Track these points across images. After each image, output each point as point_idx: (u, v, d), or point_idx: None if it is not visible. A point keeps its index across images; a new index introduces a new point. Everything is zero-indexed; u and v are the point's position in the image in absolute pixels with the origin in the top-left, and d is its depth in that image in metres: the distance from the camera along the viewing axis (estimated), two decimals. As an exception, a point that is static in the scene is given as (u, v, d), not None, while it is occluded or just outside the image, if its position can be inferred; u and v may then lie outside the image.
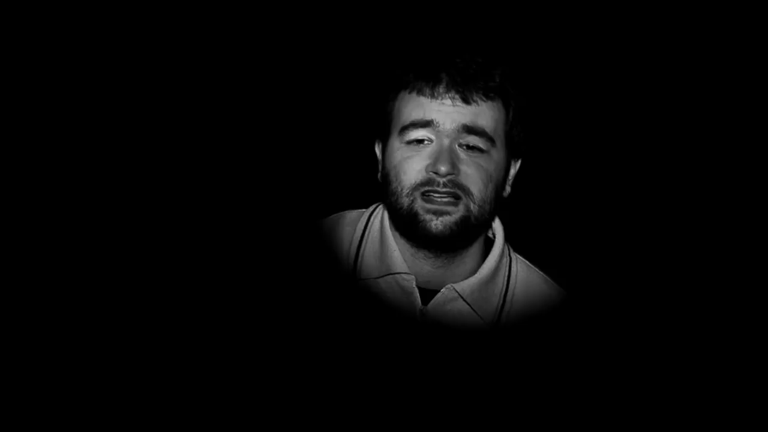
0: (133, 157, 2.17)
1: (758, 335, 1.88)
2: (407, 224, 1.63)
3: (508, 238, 1.82)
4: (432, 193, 1.59)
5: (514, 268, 1.78)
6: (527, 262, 1.84)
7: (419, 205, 1.60)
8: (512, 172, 1.75)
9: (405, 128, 1.63)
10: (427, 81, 1.61)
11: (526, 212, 1.94)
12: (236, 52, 2.16)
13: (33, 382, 2.21)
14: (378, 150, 1.77)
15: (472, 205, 1.60)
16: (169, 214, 2.13)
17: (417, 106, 1.62)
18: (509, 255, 1.80)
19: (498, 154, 1.65)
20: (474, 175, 1.60)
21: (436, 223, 1.60)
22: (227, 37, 2.12)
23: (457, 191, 1.59)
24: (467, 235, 1.65)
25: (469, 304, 1.68)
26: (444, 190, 1.59)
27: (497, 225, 1.80)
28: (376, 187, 1.77)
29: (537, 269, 1.83)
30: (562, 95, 2.01)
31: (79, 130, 2.12)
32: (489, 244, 1.79)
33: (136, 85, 2.11)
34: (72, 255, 2.33)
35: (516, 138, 1.70)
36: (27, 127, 1.97)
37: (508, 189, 1.74)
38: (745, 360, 1.90)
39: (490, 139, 1.62)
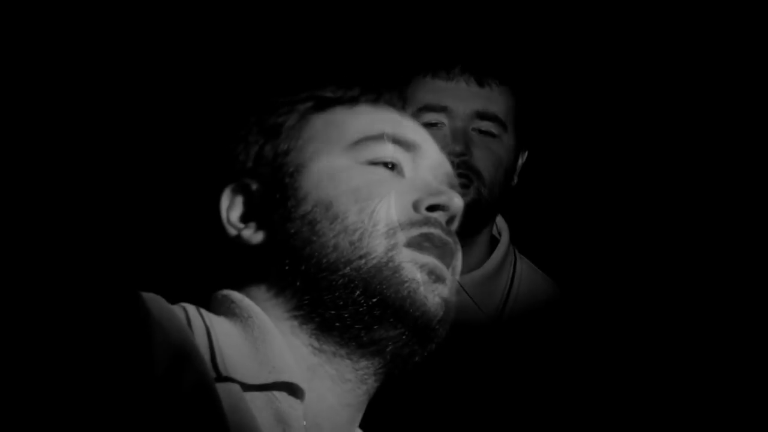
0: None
1: (757, 336, 1.84)
2: None
3: (513, 241, 1.81)
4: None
5: (519, 268, 1.78)
6: (532, 264, 1.83)
7: None
8: (520, 162, 1.77)
9: (419, 110, 1.64)
10: (443, 64, 1.64)
11: (530, 214, 1.94)
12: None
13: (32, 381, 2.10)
14: None
15: (482, 189, 1.62)
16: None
17: (431, 90, 1.63)
18: (515, 255, 1.80)
19: (509, 139, 1.68)
20: (485, 158, 1.63)
21: None
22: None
23: (469, 173, 1.60)
24: (477, 220, 1.64)
25: (471, 297, 1.66)
26: (457, 171, 1.58)
27: (503, 225, 1.81)
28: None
29: (541, 272, 1.82)
30: (569, 88, 2.03)
31: (74, 130, 2.08)
32: (494, 243, 1.78)
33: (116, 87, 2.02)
34: (70, 255, 2.27)
35: (525, 126, 1.73)
36: (25, 126, 1.93)
37: (515, 179, 1.76)
38: (745, 360, 1.85)
39: (502, 124, 1.66)
